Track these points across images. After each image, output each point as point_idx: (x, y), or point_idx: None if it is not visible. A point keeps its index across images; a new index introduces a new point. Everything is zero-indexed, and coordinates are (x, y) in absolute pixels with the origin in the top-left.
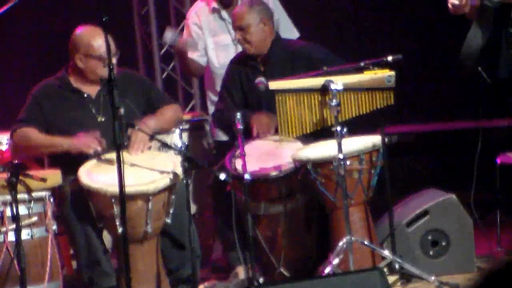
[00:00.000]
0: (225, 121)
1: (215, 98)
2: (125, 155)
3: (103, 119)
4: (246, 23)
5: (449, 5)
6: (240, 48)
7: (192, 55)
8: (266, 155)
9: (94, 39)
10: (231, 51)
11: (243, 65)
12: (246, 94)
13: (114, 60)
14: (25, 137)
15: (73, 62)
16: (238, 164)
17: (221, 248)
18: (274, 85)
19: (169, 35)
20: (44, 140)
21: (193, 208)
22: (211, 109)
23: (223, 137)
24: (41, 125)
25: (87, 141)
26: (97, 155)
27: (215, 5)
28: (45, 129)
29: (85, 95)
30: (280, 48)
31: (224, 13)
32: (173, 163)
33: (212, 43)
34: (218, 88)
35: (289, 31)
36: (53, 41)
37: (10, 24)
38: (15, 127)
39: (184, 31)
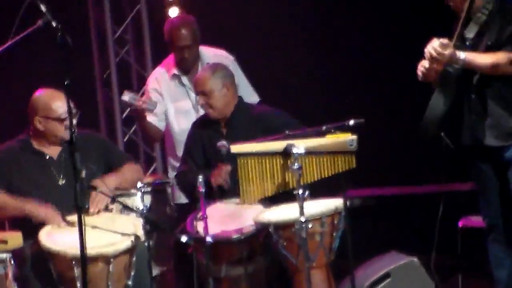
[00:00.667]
0: (187, 184)
1: (175, 163)
2: (86, 217)
3: (63, 181)
4: (209, 89)
5: (418, 72)
6: (200, 114)
7: (150, 118)
8: (228, 217)
9: (52, 101)
10: (192, 117)
11: (205, 128)
12: (208, 156)
13: (74, 121)
14: None
15: (32, 125)
16: (200, 226)
17: None
18: (236, 148)
19: (127, 95)
20: (9, 202)
21: (155, 271)
22: (172, 174)
23: (184, 199)
24: (5, 187)
25: (52, 215)
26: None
27: (175, 71)
28: (8, 191)
29: (47, 157)
30: (243, 112)
31: (184, 79)
32: (134, 225)
33: (172, 108)
34: (179, 153)
35: (249, 95)
36: (13, 105)
37: None
38: None
39: (144, 96)
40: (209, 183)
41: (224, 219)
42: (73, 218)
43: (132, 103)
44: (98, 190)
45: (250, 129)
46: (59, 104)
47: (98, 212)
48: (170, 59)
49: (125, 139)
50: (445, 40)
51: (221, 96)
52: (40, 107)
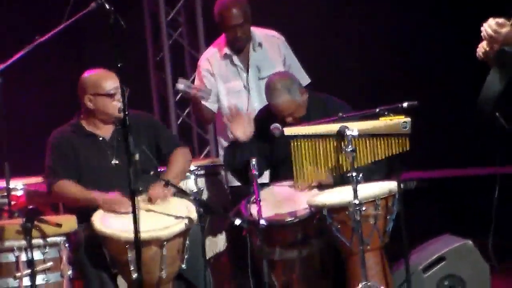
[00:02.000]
0: (232, 157)
1: (226, 144)
2: (140, 201)
3: (116, 162)
4: (295, 107)
5: (478, 52)
6: (252, 95)
7: (205, 102)
8: (281, 200)
9: (100, 77)
10: (243, 97)
11: (269, 115)
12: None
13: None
14: (63, 192)
15: (83, 106)
16: (254, 209)
17: None
18: (289, 131)
19: (182, 84)
20: (79, 195)
21: (209, 253)
22: (222, 156)
23: (237, 182)
24: (72, 174)
25: (121, 203)
26: None
27: (227, 51)
28: (76, 175)
29: (100, 138)
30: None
31: (235, 59)
32: (187, 208)
33: (224, 89)
34: (230, 134)
35: (300, 77)
36: (67, 88)
37: (25, 70)
38: (50, 182)
39: (196, 76)
40: None
41: (278, 202)
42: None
43: (187, 91)
44: (151, 172)
45: (312, 116)
46: (107, 80)
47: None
48: (221, 39)
49: (178, 122)
50: (501, 19)
51: (304, 102)
52: (89, 84)
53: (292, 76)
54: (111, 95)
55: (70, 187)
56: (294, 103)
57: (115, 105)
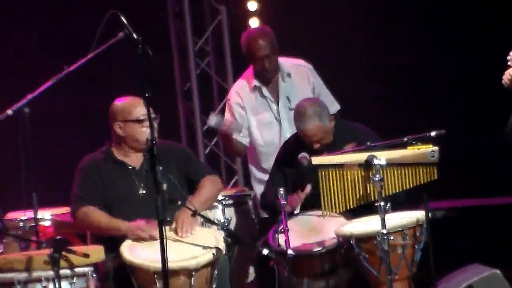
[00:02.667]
0: (267, 204)
1: (259, 175)
2: (167, 230)
3: (144, 192)
4: (323, 132)
5: (505, 79)
6: (283, 126)
7: (236, 136)
8: (309, 230)
9: (130, 104)
10: (275, 128)
11: (297, 145)
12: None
13: (154, 124)
14: (87, 218)
15: (113, 133)
16: (281, 239)
17: None
18: (317, 160)
19: (213, 119)
20: (103, 223)
21: (236, 284)
22: (255, 185)
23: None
24: (98, 200)
25: (145, 230)
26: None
27: (256, 83)
28: (102, 203)
29: (129, 167)
30: (334, 128)
31: (265, 91)
32: (215, 238)
33: (255, 121)
34: (263, 165)
35: (330, 104)
36: (95, 119)
37: (53, 101)
38: (75, 206)
39: (226, 110)
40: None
41: (305, 232)
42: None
43: (218, 128)
44: (179, 202)
45: (339, 143)
46: (137, 107)
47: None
48: (249, 71)
49: (206, 151)
50: None
51: (331, 129)
52: (118, 111)
53: (322, 102)
54: (140, 121)
55: (94, 214)
56: (323, 129)
57: (144, 131)
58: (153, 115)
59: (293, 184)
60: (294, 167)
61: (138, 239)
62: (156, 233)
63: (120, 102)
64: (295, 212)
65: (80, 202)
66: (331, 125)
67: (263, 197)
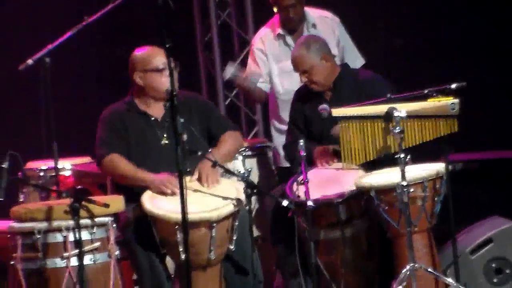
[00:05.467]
0: (294, 152)
1: (278, 125)
2: (188, 181)
3: (167, 142)
4: (309, 66)
5: None
6: None
7: (252, 86)
8: (327, 182)
9: (149, 54)
10: (295, 77)
11: (309, 94)
12: (309, 122)
13: (175, 73)
14: (113, 166)
15: (134, 83)
16: (301, 190)
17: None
18: (337, 112)
19: (229, 70)
20: (129, 173)
21: (256, 235)
22: (275, 136)
23: (285, 163)
24: (122, 149)
25: (169, 184)
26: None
27: (280, 31)
28: (126, 152)
29: (152, 118)
30: (347, 78)
31: (289, 39)
32: (236, 189)
33: (276, 69)
34: (282, 115)
35: (355, 58)
36: (115, 69)
37: (74, 51)
38: (102, 153)
39: (249, 55)
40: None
41: (324, 183)
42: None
43: (234, 79)
44: (199, 153)
45: (354, 95)
46: (156, 56)
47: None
48: (275, 18)
49: (226, 102)
50: None
51: (321, 69)
52: (138, 61)
53: (321, 39)
54: (160, 71)
55: (121, 163)
56: (308, 62)
57: (164, 81)
58: (173, 64)
59: (310, 131)
60: (304, 115)
61: (160, 193)
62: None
63: (139, 52)
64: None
65: (107, 148)
66: (322, 64)
67: (287, 147)
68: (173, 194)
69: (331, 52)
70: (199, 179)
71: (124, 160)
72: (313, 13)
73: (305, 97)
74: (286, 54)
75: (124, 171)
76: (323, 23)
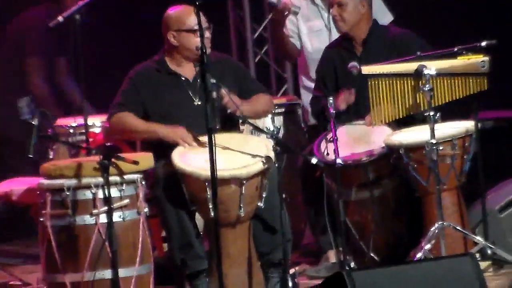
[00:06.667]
0: (319, 109)
1: (308, 83)
2: (217, 139)
3: (199, 103)
4: (346, 0)
5: None
6: (333, 34)
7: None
8: (355, 140)
9: (184, 13)
10: (324, 36)
11: (339, 49)
12: (339, 79)
13: (207, 34)
14: (121, 122)
15: (167, 43)
16: (330, 149)
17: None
18: (367, 69)
19: None
20: (140, 126)
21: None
22: (304, 94)
23: (314, 121)
24: (138, 110)
25: (183, 136)
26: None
27: None
28: (142, 113)
29: (183, 78)
30: (378, 34)
31: None
32: (266, 147)
33: (305, 28)
34: (312, 73)
35: (383, 14)
36: (148, 26)
37: (105, 8)
38: (112, 111)
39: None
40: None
41: (352, 141)
42: (206, 138)
43: (278, 5)
44: (228, 111)
45: (385, 51)
46: (191, 16)
47: (237, 109)
48: None
49: (256, 60)
50: None
51: (355, 11)
52: (172, 21)
53: None
54: (194, 31)
55: (129, 118)
56: None
57: (198, 41)
58: (206, 25)
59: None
60: (334, 71)
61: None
62: (195, 143)
63: (173, 11)
64: (341, 109)
65: (119, 107)
66: (358, 7)
67: (315, 101)
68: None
69: (371, 7)
70: (224, 100)
71: (133, 117)
72: None
73: (335, 53)
74: (314, 13)
75: (133, 125)
76: None
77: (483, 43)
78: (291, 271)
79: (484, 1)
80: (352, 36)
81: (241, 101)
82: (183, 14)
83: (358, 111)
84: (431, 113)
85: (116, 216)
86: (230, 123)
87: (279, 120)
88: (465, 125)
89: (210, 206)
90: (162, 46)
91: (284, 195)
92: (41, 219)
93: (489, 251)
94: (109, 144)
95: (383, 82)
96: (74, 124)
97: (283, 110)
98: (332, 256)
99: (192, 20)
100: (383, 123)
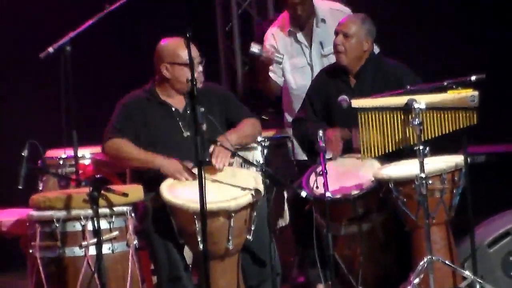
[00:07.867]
0: (302, 131)
1: (291, 119)
2: (207, 171)
3: (188, 134)
4: (353, 33)
5: None
6: (315, 71)
7: (270, 75)
8: (344, 173)
9: (178, 46)
10: (307, 73)
11: (333, 77)
12: (330, 107)
13: (200, 68)
14: (117, 148)
15: (159, 74)
16: (319, 182)
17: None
18: (356, 103)
19: (255, 47)
20: (136, 154)
21: (274, 226)
22: (288, 130)
23: (303, 156)
24: (133, 136)
25: (180, 169)
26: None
27: (290, 28)
28: (134, 140)
29: (173, 109)
30: (372, 66)
31: (299, 36)
32: (254, 179)
33: (289, 65)
34: (296, 108)
35: None
36: (136, 57)
37: (95, 39)
38: (108, 137)
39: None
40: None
41: (341, 175)
42: (195, 171)
43: (261, 54)
44: (218, 143)
45: (378, 84)
46: (185, 49)
47: (223, 167)
48: (285, 14)
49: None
50: None
51: (359, 46)
52: (166, 53)
53: (374, 26)
54: (188, 64)
55: (125, 145)
56: (355, 30)
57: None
58: (199, 59)
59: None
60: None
61: (173, 178)
62: (190, 175)
63: (167, 44)
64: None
65: (114, 133)
66: (362, 44)
67: (298, 122)
68: (186, 178)
69: (373, 45)
70: (210, 157)
71: (129, 143)
72: (322, 6)
73: (330, 79)
74: (297, 50)
75: (129, 152)
76: (333, 16)
77: (473, 77)
78: None
79: (473, 35)
80: (349, 69)
81: (227, 133)
82: (177, 47)
83: (346, 143)
84: (421, 147)
85: (106, 248)
86: None
87: (268, 153)
88: (455, 160)
89: (199, 239)
90: (153, 76)
91: (273, 228)
92: (30, 251)
93: (478, 286)
94: (98, 176)
95: (373, 116)
96: (63, 156)
97: (272, 143)
98: None
99: (186, 54)
100: (372, 156)
